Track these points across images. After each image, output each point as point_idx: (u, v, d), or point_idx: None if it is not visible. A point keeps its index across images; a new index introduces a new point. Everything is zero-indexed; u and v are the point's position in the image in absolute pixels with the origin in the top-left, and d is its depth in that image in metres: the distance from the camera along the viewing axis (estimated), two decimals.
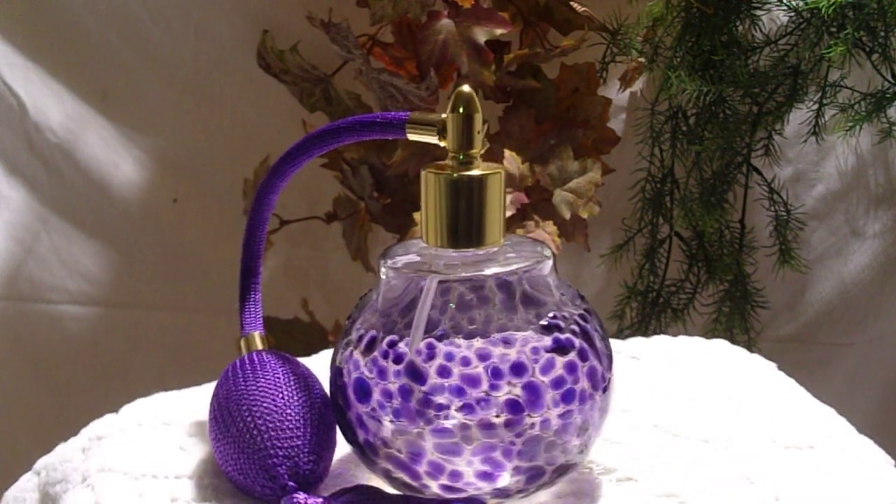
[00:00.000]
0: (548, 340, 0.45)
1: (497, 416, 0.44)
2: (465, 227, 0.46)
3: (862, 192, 0.95)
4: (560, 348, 0.45)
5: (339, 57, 0.84)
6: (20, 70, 0.93)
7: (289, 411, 0.48)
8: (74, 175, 0.95)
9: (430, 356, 0.45)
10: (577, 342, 0.46)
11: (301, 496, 0.46)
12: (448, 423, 0.44)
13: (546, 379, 0.45)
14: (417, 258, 0.47)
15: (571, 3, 0.82)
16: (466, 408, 0.44)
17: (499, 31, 0.79)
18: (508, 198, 0.78)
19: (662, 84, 0.83)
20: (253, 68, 0.89)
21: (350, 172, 0.88)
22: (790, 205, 0.90)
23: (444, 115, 0.45)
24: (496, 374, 0.44)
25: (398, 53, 0.84)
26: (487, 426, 0.44)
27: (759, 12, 0.83)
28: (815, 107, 0.85)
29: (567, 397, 0.45)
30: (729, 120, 0.85)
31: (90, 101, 0.94)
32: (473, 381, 0.44)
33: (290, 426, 0.48)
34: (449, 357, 0.45)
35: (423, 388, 0.44)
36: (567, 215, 0.80)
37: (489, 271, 0.46)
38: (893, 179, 0.95)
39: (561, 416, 0.45)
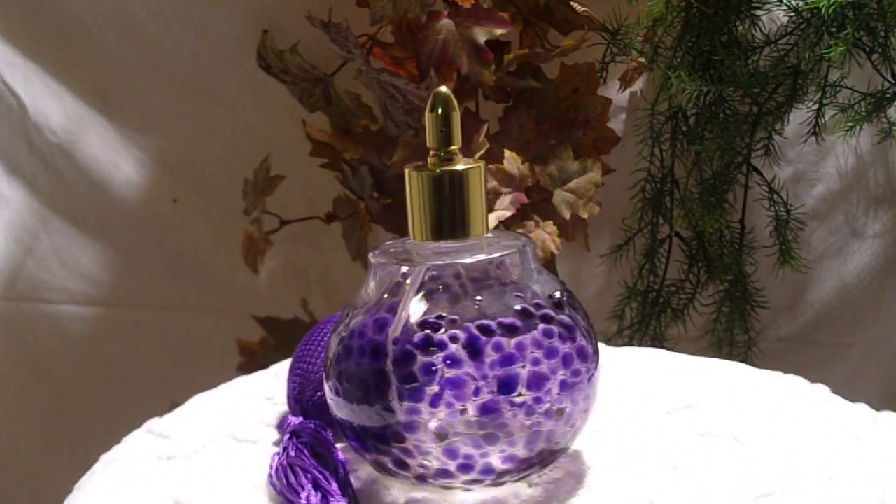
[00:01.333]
0: (419, 336, 0.46)
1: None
2: (448, 221, 0.48)
3: (862, 192, 0.95)
4: (424, 347, 0.46)
5: (339, 57, 0.84)
6: (20, 70, 0.93)
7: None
8: (74, 175, 0.95)
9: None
10: (452, 348, 0.46)
11: (290, 417, 0.55)
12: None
13: (395, 370, 0.46)
14: (403, 250, 0.50)
15: (571, 3, 0.82)
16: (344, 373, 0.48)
17: (499, 31, 0.79)
18: (508, 198, 0.78)
19: (662, 84, 0.83)
20: (253, 68, 0.89)
21: (350, 172, 0.88)
22: (790, 205, 0.90)
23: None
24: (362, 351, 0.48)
25: (398, 53, 0.84)
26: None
27: (759, 12, 0.83)
28: (815, 107, 0.84)
29: (413, 395, 0.46)
30: (729, 120, 0.85)
31: (90, 101, 0.94)
32: (348, 352, 0.48)
33: (321, 363, 0.54)
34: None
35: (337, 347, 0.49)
36: (567, 215, 0.80)
37: (450, 260, 0.48)
38: (893, 179, 0.95)
39: (406, 412, 0.46)
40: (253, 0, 0.91)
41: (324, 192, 0.94)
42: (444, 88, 0.48)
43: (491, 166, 0.78)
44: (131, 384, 1.00)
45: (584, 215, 0.80)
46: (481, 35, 0.78)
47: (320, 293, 1.00)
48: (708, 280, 0.91)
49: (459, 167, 0.48)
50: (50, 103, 0.93)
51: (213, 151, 0.96)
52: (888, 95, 0.80)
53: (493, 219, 0.77)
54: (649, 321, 0.91)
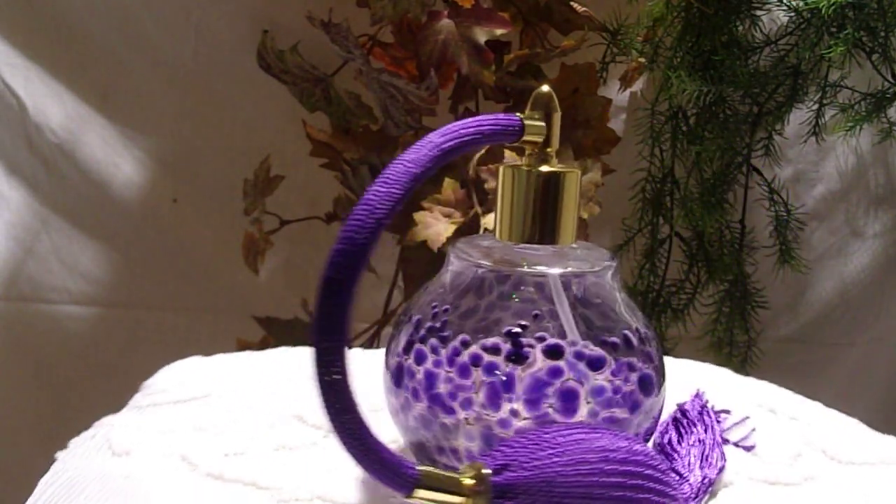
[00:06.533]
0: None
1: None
2: (541, 224, 0.46)
3: (862, 192, 0.95)
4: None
5: (339, 57, 0.84)
6: (20, 70, 0.93)
7: None
8: (74, 175, 0.95)
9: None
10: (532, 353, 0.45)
11: None
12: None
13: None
14: (497, 253, 0.47)
15: (571, 3, 0.82)
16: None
17: (499, 31, 0.79)
18: None
19: (662, 84, 0.83)
20: (253, 68, 0.89)
21: (350, 172, 0.88)
22: (790, 205, 0.90)
23: (536, 115, 0.46)
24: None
25: (398, 53, 0.84)
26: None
27: (759, 12, 0.83)
28: (815, 107, 0.85)
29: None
30: (729, 120, 0.85)
31: (90, 101, 0.94)
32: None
33: None
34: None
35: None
36: None
37: (585, 267, 0.46)
38: (893, 179, 0.95)
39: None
40: (253, 0, 0.91)
41: (324, 192, 0.94)
42: (546, 88, 0.46)
43: (491, 166, 0.78)
44: (131, 384, 1.00)
45: (585, 215, 0.80)
46: (481, 35, 0.78)
47: None
48: (708, 280, 0.91)
49: (558, 169, 0.46)
50: (50, 103, 0.93)
51: (213, 151, 0.96)
52: (888, 95, 0.80)
53: (493, 218, 0.77)
54: (649, 321, 0.91)
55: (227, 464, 0.38)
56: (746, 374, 0.87)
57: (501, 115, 0.45)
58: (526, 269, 0.46)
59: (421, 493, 0.39)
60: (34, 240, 0.97)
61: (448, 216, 0.78)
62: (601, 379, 0.45)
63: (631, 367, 0.46)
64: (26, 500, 0.52)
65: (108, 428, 0.56)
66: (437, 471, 0.40)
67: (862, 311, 0.98)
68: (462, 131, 0.42)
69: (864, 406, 0.99)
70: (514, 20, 0.83)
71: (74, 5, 0.91)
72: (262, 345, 0.97)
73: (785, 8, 0.82)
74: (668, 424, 0.53)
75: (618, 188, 0.88)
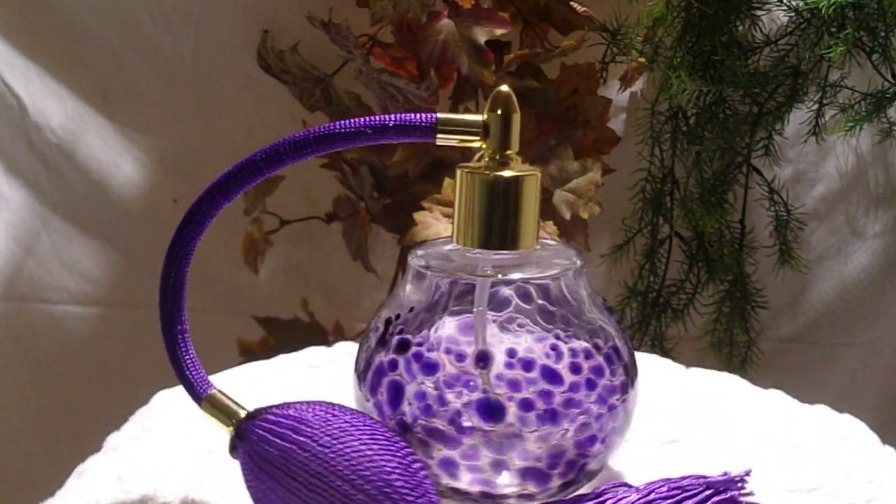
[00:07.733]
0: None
1: None
2: (499, 229, 0.45)
3: (862, 192, 0.95)
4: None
5: (339, 57, 0.84)
6: (20, 70, 0.93)
7: None
8: (74, 175, 0.95)
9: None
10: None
11: None
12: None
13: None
14: (451, 258, 0.47)
15: (571, 3, 0.82)
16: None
17: (499, 31, 0.79)
18: None
19: (662, 84, 0.83)
20: (253, 68, 0.89)
21: (350, 172, 0.88)
22: (790, 205, 0.90)
23: (484, 116, 0.45)
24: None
25: (398, 53, 0.84)
26: None
27: (759, 12, 0.83)
28: (815, 107, 0.84)
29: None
30: (729, 120, 0.85)
31: (90, 101, 0.94)
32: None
33: None
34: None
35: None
36: (567, 215, 0.80)
37: (519, 275, 0.46)
38: (893, 179, 0.95)
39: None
40: (253, 0, 0.91)
41: (324, 192, 0.94)
42: (505, 88, 0.45)
43: None
44: (131, 384, 1.00)
45: (585, 215, 0.80)
46: (481, 35, 0.78)
47: (320, 293, 1.00)
48: (708, 280, 0.91)
49: (515, 173, 0.45)
50: (50, 103, 0.93)
51: (213, 151, 0.95)
52: (888, 95, 0.80)
53: None
54: (649, 321, 0.91)
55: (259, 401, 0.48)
56: (746, 373, 0.87)
57: (410, 115, 0.45)
58: (449, 273, 0.46)
59: (204, 409, 0.50)
60: (34, 240, 0.97)
61: (448, 216, 0.78)
62: (430, 385, 0.45)
63: (469, 386, 0.45)
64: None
65: (280, 360, 0.70)
66: (225, 399, 0.50)
67: (862, 311, 0.98)
68: (324, 129, 0.45)
69: (864, 406, 0.99)
70: (514, 20, 0.83)
71: (74, 6, 0.91)
72: (262, 345, 0.97)
73: (785, 8, 0.82)
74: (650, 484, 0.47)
75: (618, 188, 0.88)
